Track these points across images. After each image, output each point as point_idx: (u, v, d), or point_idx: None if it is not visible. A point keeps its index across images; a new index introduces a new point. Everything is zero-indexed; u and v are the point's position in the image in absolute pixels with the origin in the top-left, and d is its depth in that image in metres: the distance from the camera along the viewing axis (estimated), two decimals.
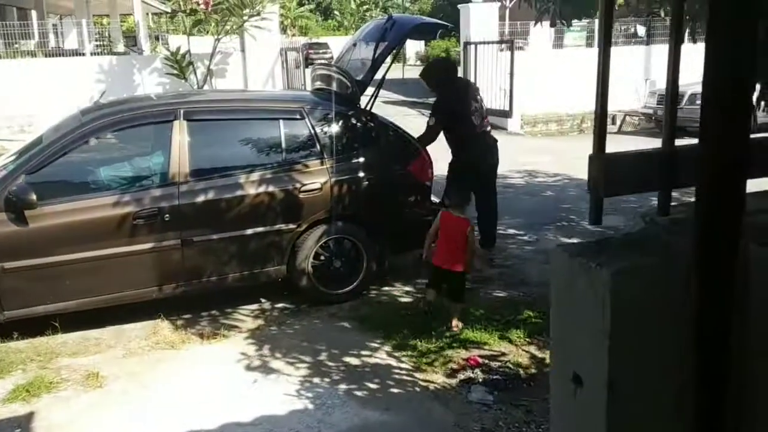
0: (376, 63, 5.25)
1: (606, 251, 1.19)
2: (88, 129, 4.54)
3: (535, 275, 5.60)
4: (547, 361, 4.12)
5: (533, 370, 4.00)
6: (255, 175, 4.81)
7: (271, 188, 4.81)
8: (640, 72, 16.59)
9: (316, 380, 3.86)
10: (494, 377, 3.91)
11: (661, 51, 16.53)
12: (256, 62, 12.76)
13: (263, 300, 5.17)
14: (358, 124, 5.24)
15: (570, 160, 11.12)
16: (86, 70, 12.46)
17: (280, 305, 5.10)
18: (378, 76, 5.39)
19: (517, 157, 11.05)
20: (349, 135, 5.19)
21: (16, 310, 4.36)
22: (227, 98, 5.41)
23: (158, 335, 4.61)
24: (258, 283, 4.98)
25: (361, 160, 5.09)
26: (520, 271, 5.72)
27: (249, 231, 4.77)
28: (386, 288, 5.37)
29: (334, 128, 5.11)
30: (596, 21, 16.82)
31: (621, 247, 1.22)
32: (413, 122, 14.40)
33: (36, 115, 11.71)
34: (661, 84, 15.51)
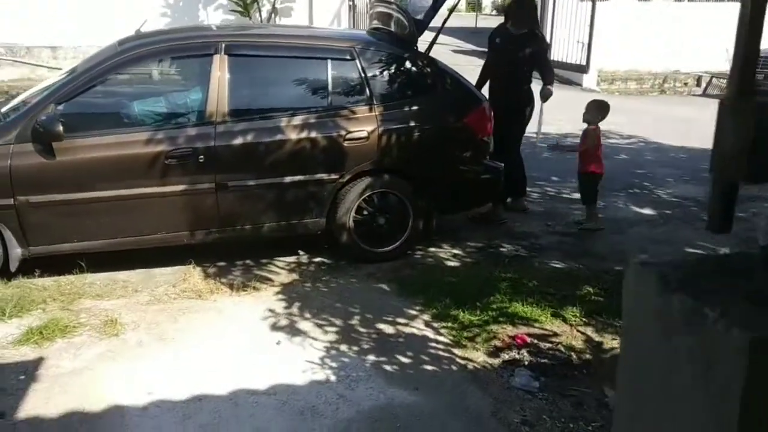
0: (437, 4, 4.74)
1: (724, 289, 0.74)
2: (123, 59, 4.24)
3: (599, 246, 5.09)
4: (606, 345, 3.67)
5: (588, 356, 3.56)
6: (297, 119, 4.43)
7: (313, 134, 4.43)
8: (732, 31, 15.22)
9: (343, 348, 3.52)
10: (542, 360, 3.48)
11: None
12: (322, 2, 12.28)
13: (301, 252, 4.85)
14: (414, 68, 4.77)
15: (648, 121, 10.35)
16: (151, 4, 12.25)
17: (317, 259, 4.78)
18: (439, 20, 4.89)
19: None
20: (403, 80, 4.74)
21: (41, 246, 4.16)
22: (273, 33, 5.00)
23: (187, 282, 4.36)
24: (295, 234, 4.66)
25: (414, 108, 4.64)
26: (583, 241, 5.21)
27: (288, 179, 4.43)
28: (432, 249, 4.97)
29: (387, 72, 4.67)
30: None
31: (744, 286, 0.75)
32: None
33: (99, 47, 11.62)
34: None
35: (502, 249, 5.02)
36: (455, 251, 4.96)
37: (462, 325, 3.78)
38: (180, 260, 4.58)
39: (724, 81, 14.43)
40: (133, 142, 4.16)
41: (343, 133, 4.47)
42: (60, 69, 11.70)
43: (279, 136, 4.39)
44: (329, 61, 4.55)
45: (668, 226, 5.52)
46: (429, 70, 4.77)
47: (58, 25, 11.96)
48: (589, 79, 13.52)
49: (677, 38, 14.41)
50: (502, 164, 4.96)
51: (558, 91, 12.95)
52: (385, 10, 5.38)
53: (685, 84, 14.67)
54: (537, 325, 3.84)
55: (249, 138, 4.34)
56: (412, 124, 4.61)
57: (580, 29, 13.04)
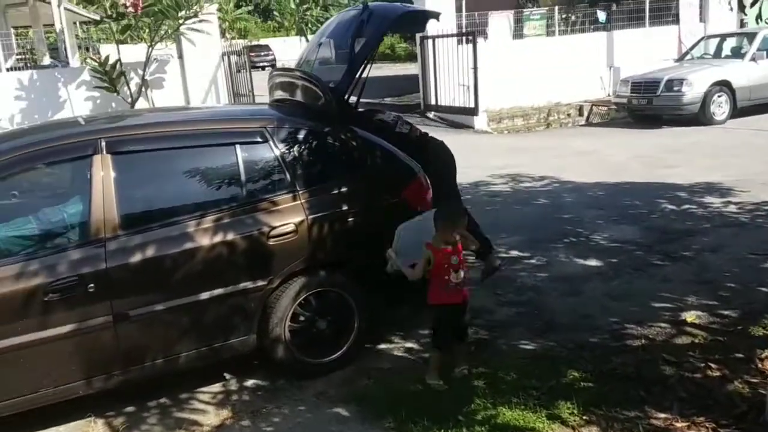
0: (354, 65, 4.14)
1: None
2: None
3: (562, 314, 4.57)
4: None
5: None
6: (208, 221, 3.64)
7: (230, 236, 3.65)
8: (603, 59, 15.89)
9: None
10: None
11: (623, 37, 15.86)
12: (195, 69, 11.47)
13: (228, 376, 4.00)
14: (338, 144, 4.12)
15: (550, 158, 10.24)
16: (4, 87, 10.98)
17: (250, 383, 3.95)
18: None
19: (493, 160, 10.13)
20: (327, 159, 4.07)
21: None
22: (163, 120, 4.17)
23: None
24: (219, 360, 3.81)
25: (344, 189, 3.97)
26: (541, 309, 4.68)
27: (204, 295, 3.60)
28: (383, 347, 4.27)
29: (307, 151, 3.99)
30: (555, 9, 16.10)
31: None
32: None
33: None
34: (626, 71, 14.86)
35: None
36: (409, 344, 4.28)
37: None
38: (77, 412, 3.62)
39: (603, 108, 14.86)
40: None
41: (265, 229, 3.72)
42: None
43: (188, 245, 3.57)
44: (238, 147, 3.81)
45: (622, 278, 5.12)
46: (355, 143, 4.13)
47: None
48: (479, 121, 13.43)
49: (554, 71, 14.73)
50: None
51: (453, 136, 12.79)
52: (289, 79, 4.73)
53: (569, 115, 14.96)
54: None
55: (150, 252, 3.50)
56: (345, 208, 3.94)
57: (462, 72, 12.97)
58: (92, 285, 3.35)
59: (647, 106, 12.86)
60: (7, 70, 12.31)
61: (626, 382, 3.60)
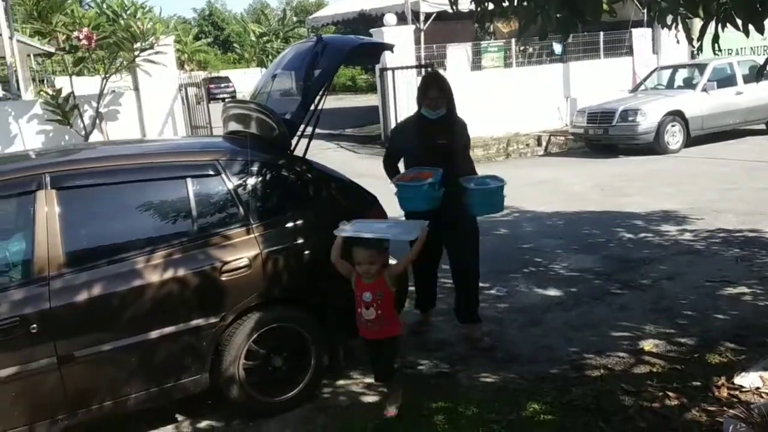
0: (308, 96, 4.09)
1: None
2: None
3: (523, 345, 4.54)
4: None
5: None
6: (158, 256, 3.53)
7: (181, 271, 3.54)
8: (560, 90, 16.22)
9: None
10: None
11: (578, 68, 16.23)
12: (152, 101, 11.31)
13: (180, 417, 3.86)
14: (292, 176, 4.05)
15: (510, 189, 10.23)
16: None
17: (204, 424, 3.81)
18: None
19: None
20: (281, 191, 4.00)
21: None
22: (111, 154, 4.05)
23: None
24: (171, 400, 3.67)
25: (299, 222, 3.90)
26: (502, 341, 4.65)
27: (154, 334, 3.48)
28: (341, 383, 4.17)
29: (261, 184, 3.91)
30: (513, 41, 16.39)
31: None
32: (333, 157, 13.34)
33: None
34: (582, 102, 15.17)
35: (420, 367, 4.33)
36: (368, 380, 4.18)
37: None
38: None
39: (561, 138, 15.10)
40: None
41: (218, 264, 3.62)
42: None
43: (136, 282, 3.45)
44: (188, 180, 3.72)
45: (582, 308, 5.12)
46: (310, 175, 4.08)
47: None
48: None
49: (513, 102, 14.97)
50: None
51: None
52: (243, 111, 4.67)
53: (527, 145, 15.15)
54: None
55: (96, 290, 3.37)
56: (300, 241, 3.86)
57: None
58: (35, 326, 3.20)
59: (603, 135, 13.10)
60: None
61: (586, 413, 3.57)
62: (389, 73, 14.17)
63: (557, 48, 16.55)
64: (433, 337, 4.78)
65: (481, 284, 5.68)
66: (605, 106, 13.32)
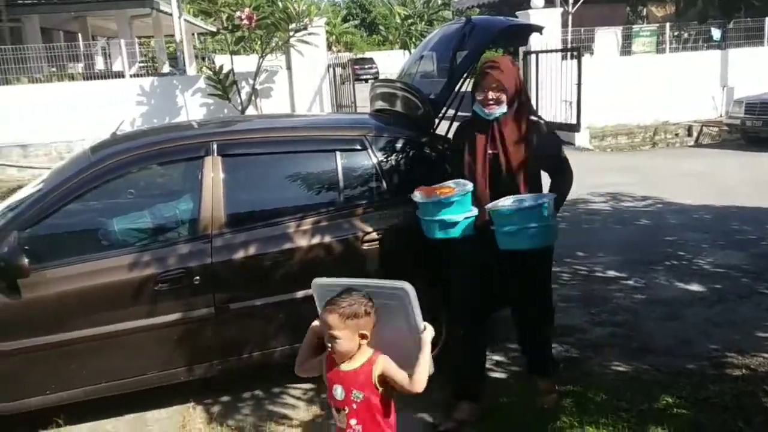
0: (453, 77, 4.19)
1: None
2: (97, 171, 3.59)
3: (659, 338, 4.43)
4: None
5: None
6: (307, 223, 3.80)
7: (327, 238, 3.80)
8: (716, 79, 15.20)
9: None
10: None
11: (738, 56, 15.11)
12: (302, 80, 11.91)
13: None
14: (433, 153, 4.19)
15: (654, 179, 9.89)
16: (127, 92, 11.83)
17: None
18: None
19: (593, 178, 9.88)
20: (422, 168, 4.14)
21: (6, 403, 3.42)
22: (270, 126, 4.40)
23: (187, 429, 3.63)
24: None
25: None
26: (637, 332, 4.56)
27: (301, 294, 3.75)
28: None
29: (404, 160, 4.08)
30: (667, 25, 15.54)
31: None
32: None
33: (74, 141, 11.16)
34: (740, 92, 14.13)
35: None
36: (497, 358, 4.27)
37: None
38: (175, 398, 3.85)
39: (715, 129, 14.19)
40: (115, 269, 3.47)
41: (360, 234, 3.84)
42: (31, 168, 11.12)
43: (287, 245, 3.74)
44: (337, 153, 3.96)
45: (725, 305, 4.90)
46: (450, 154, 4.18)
47: (27, 123, 11.45)
48: (581, 138, 13.16)
49: (664, 89, 14.24)
50: None
51: None
52: (390, 90, 4.85)
53: (676, 135, 14.41)
54: None
55: (252, 250, 3.69)
56: None
57: (565, 88, 12.76)
58: (198, 278, 3.56)
59: (762, 128, 12.20)
60: (131, 76, 13.22)
61: (724, 411, 3.46)
62: (533, 56, 13.89)
63: (716, 34, 15.52)
64: (560, 321, 4.75)
65: (617, 273, 5.64)
66: (766, 96, 12.37)
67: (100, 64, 17.01)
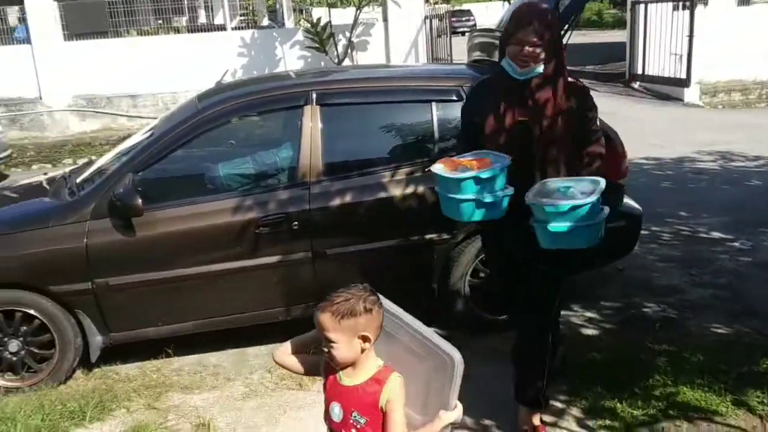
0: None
1: None
2: (204, 118, 3.76)
3: (764, 302, 4.24)
4: None
5: None
6: (401, 173, 3.85)
7: (420, 189, 3.83)
8: None
9: None
10: None
11: None
12: (398, 32, 11.82)
13: None
14: None
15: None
16: (228, 45, 12.14)
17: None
18: None
19: (702, 135, 9.41)
20: None
21: (124, 332, 3.72)
22: (367, 76, 4.45)
23: None
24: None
25: None
26: (741, 294, 4.38)
27: (392, 242, 3.83)
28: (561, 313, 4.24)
29: None
30: None
31: None
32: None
33: (180, 93, 11.61)
34: None
35: (644, 310, 4.25)
36: (589, 314, 4.22)
37: (625, 423, 3.05)
38: (273, 337, 4.03)
39: None
40: (221, 211, 3.66)
41: None
42: (140, 117, 11.71)
43: (381, 194, 3.81)
44: (433, 104, 3.96)
45: None
46: None
47: (136, 74, 11.98)
48: (690, 93, 12.48)
49: None
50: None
51: (659, 108, 12.03)
52: (488, 39, 4.76)
53: None
54: (718, 418, 3.07)
55: (347, 198, 3.78)
56: None
57: (675, 40, 12.08)
58: (296, 223, 3.69)
59: None
60: (232, 29, 13.55)
61: None
62: (642, 6, 13.25)
63: None
64: (658, 282, 4.63)
65: (723, 235, 5.40)
66: None
67: (202, 17, 17.54)
